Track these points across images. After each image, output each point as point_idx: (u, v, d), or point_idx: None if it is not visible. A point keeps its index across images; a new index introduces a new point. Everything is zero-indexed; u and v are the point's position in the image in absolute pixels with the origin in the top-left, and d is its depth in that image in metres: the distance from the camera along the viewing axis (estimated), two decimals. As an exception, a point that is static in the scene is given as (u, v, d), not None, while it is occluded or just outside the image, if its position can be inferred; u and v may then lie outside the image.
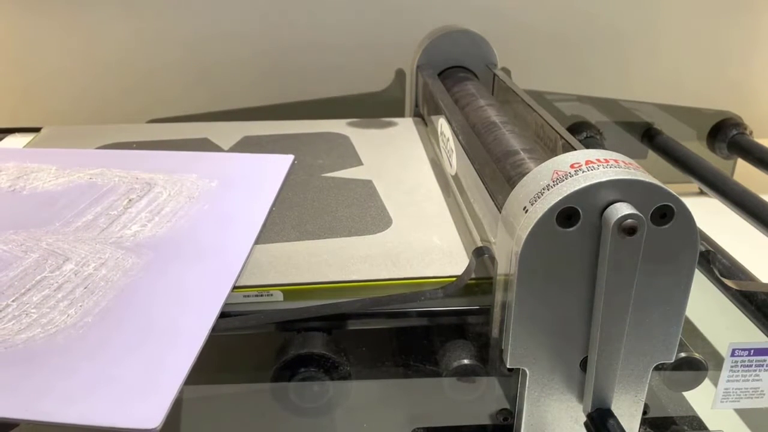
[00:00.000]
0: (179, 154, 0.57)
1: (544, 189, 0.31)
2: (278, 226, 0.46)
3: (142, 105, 0.82)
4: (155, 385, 0.31)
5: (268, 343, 0.39)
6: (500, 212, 0.34)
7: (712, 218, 0.48)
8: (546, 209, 0.30)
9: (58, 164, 0.54)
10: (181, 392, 0.38)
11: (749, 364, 0.36)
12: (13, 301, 0.37)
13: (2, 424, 0.31)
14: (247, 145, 0.62)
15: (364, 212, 0.48)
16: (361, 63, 0.82)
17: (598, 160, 0.31)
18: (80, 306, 0.37)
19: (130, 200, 0.48)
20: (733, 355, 0.36)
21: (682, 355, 0.37)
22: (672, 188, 0.30)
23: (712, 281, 0.46)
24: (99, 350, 0.34)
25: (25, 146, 0.62)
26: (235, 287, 0.39)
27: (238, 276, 0.39)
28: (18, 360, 0.33)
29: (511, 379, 0.35)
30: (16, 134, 0.67)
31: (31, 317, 0.36)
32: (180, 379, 0.32)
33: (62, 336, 0.34)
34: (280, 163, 0.55)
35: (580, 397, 0.34)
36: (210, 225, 0.45)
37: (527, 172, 0.33)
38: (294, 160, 0.57)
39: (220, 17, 0.80)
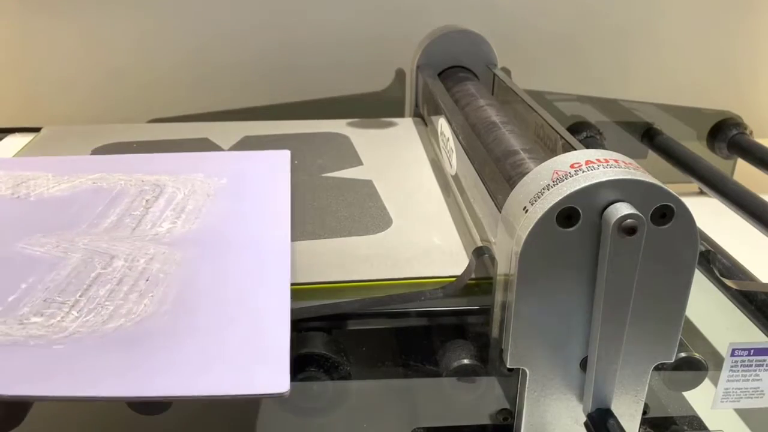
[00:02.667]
0: (178, 156, 0.57)
1: (544, 189, 0.31)
2: (278, 226, 0.46)
3: (143, 105, 0.82)
4: (266, 353, 0.31)
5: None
6: (500, 212, 0.34)
7: (712, 218, 0.48)
8: (546, 209, 0.30)
9: (52, 171, 0.53)
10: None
11: (749, 364, 0.36)
12: (80, 296, 0.36)
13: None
14: (247, 145, 0.62)
15: (364, 212, 0.48)
16: (361, 63, 0.82)
17: (598, 160, 0.31)
18: (151, 296, 0.36)
19: (146, 201, 0.47)
20: (733, 355, 0.36)
21: (682, 355, 0.37)
22: (672, 188, 0.30)
23: (712, 281, 0.46)
24: (195, 330, 0.33)
25: (24, 146, 0.62)
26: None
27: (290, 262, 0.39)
28: (121, 344, 0.32)
29: (511, 379, 0.35)
30: (16, 134, 0.67)
31: (107, 309, 0.35)
32: (287, 345, 0.32)
33: (150, 323, 0.34)
34: (281, 158, 0.55)
35: (580, 397, 0.34)
36: (240, 219, 0.45)
37: (527, 172, 0.33)
38: (291, 155, 0.57)
39: (221, 18, 0.80)
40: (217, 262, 0.39)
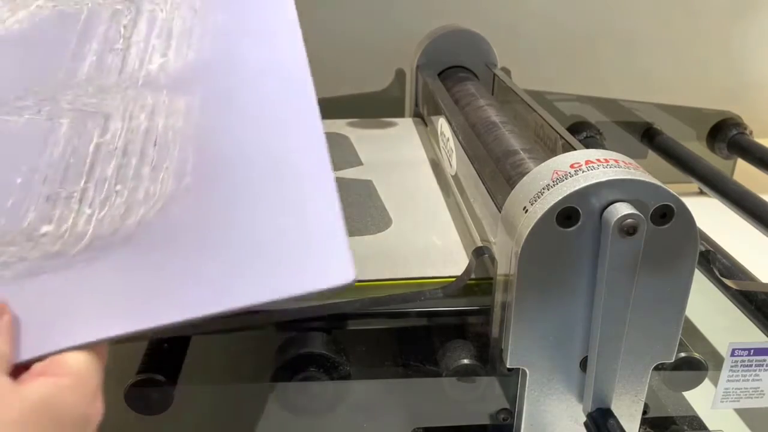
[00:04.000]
0: None
1: (544, 189, 0.31)
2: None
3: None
4: (321, 239, 0.28)
5: (268, 343, 0.39)
6: (500, 212, 0.34)
7: (712, 218, 0.48)
8: (546, 209, 0.30)
9: None
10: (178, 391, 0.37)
11: (749, 363, 0.36)
12: (86, 182, 0.31)
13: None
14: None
15: (364, 212, 0.48)
16: (361, 63, 0.82)
17: (598, 160, 0.31)
18: (166, 168, 0.31)
19: (124, 27, 0.39)
20: (733, 354, 0.36)
21: (682, 355, 0.37)
22: (672, 188, 0.30)
23: (712, 281, 0.46)
24: (232, 215, 0.29)
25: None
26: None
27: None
28: (152, 247, 0.28)
29: (511, 379, 0.35)
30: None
31: (122, 196, 0.30)
32: (341, 223, 0.28)
33: (176, 207, 0.29)
34: None
35: (580, 396, 0.34)
36: (240, 40, 0.37)
37: (527, 172, 0.33)
38: None
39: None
40: (229, 107, 0.34)
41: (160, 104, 0.34)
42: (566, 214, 0.30)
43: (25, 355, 0.25)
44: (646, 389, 0.35)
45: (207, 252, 0.27)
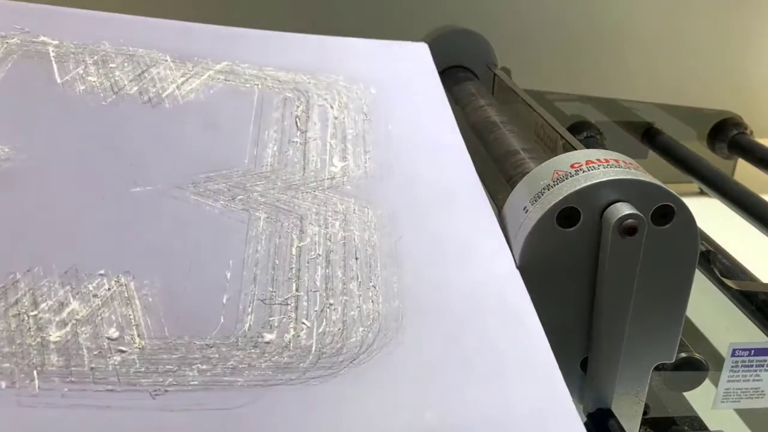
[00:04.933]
0: (296, 38, 0.46)
1: (544, 189, 0.31)
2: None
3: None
4: (552, 394, 0.27)
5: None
6: (500, 212, 0.34)
7: (713, 218, 0.48)
8: (546, 209, 0.30)
9: (157, 46, 0.40)
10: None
11: (750, 364, 0.36)
12: (296, 289, 0.30)
13: None
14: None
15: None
16: (361, 63, 0.82)
17: (599, 160, 0.31)
18: (372, 285, 0.30)
19: (298, 119, 0.38)
20: (733, 355, 0.36)
21: (683, 355, 0.37)
22: (672, 188, 0.30)
23: (712, 281, 0.46)
24: (461, 352, 0.28)
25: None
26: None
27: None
28: (380, 380, 0.27)
29: (512, 379, 0.35)
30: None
31: (336, 311, 0.29)
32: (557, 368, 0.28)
33: (389, 333, 0.28)
34: (421, 53, 0.46)
35: (580, 397, 0.34)
36: (414, 153, 0.37)
37: (527, 172, 0.33)
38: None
39: (222, 17, 0.80)
40: (422, 227, 0.33)
41: (351, 213, 0.34)
42: (566, 214, 0.30)
43: None
44: (647, 389, 0.35)
45: (426, 398, 0.26)
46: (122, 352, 0.27)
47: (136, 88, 0.37)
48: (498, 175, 0.43)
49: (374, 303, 0.30)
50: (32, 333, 0.27)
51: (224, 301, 0.29)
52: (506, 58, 0.72)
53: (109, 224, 0.30)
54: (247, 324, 0.28)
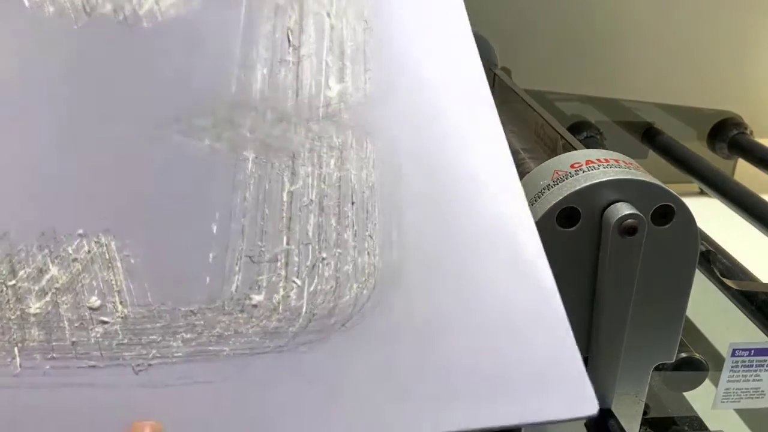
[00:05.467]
0: None
1: (544, 189, 0.31)
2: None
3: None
4: (562, 359, 0.26)
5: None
6: (500, 212, 0.34)
7: (713, 218, 0.48)
8: (546, 209, 0.30)
9: None
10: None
11: (750, 364, 0.36)
12: (287, 243, 0.28)
13: None
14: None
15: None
16: (361, 63, 0.82)
17: (599, 160, 0.31)
18: (369, 235, 0.28)
19: (290, 32, 0.34)
20: (733, 355, 0.36)
21: (683, 355, 0.37)
22: (672, 188, 0.30)
23: (712, 281, 0.46)
24: (456, 315, 0.26)
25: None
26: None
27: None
28: (374, 344, 0.26)
29: (512, 379, 0.35)
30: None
31: (329, 266, 0.28)
32: (576, 349, 0.26)
33: (385, 290, 0.27)
34: None
35: (581, 397, 0.34)
36: (421, 67, 0.33)
37: (527, 172, 0.33)
38: None
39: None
40: (419, 158, 0.30)
41: (348, 148, 0.31)
42: (566, 214, 0.30)
43: None
44: (647, 389, 0.35)
45: (427, 361, 0.26)
46: (104, 323, 0.26)
47: (110, 6, 0.32)
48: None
49: (370, 255, 0.28)
50: (11, 305, 0.26)
51: (210, 259, 0.27)
52: (506, 58, 0.72)
53: (84, 173, 0.28)
54: (234, 285, 0.27)
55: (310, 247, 0.28)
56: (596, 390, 0.33)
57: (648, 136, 0.74)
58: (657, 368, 0.34)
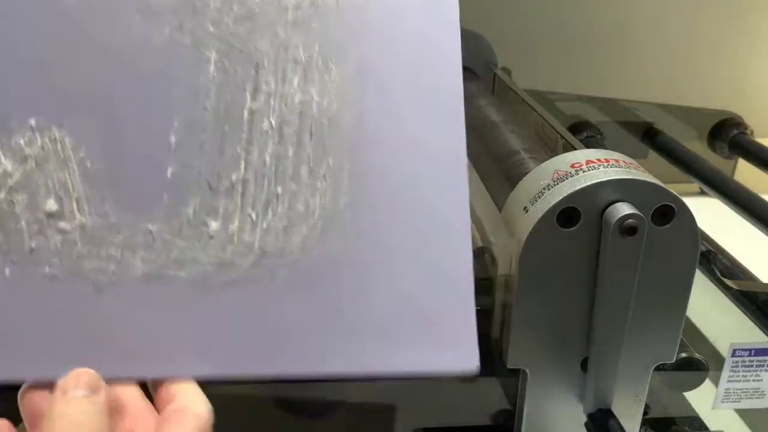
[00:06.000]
0: None
1: (544, 189, 0.31)
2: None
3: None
4: (454, 318, 0.27)
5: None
6: (500, 212, 0.34)
7: (713, 218, 0.48)
8: (546, 209, 0.30)
9: None
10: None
11: (750, 364, 0.36)
12: (245, 170, 0.28)
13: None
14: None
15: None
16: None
17: (599, 160, 0.31)
18: (323, 176, 0.29)
19: None
20: (733, 355, 0.36)
21: (683, 355, 0.37)
22: (672, 188, 0.30)
23: (712, 281, 0.46)
24: (377, 265, 0.28)
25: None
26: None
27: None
28: (315, 284, 0.27)
29: (511, 379, 0.35)
30: None
31: (283, 203, 0.28)
32: (473, 306, 0.28)
33: (329, 234, 0.28)
34: None
35: (581, 397, 0.34)
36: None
37: (527, 172, 0.33)
38: None
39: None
40: (382, 94, 0.30)
41: (313, 68, 0.30)
42: (567, 214, 0.30)
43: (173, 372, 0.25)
44: (647, 389, 0.35)
45: (351, 304, 0.27)
46: (63, 231, 0.26)
47: None
48: (498, 175, 0.43)
49: (322, 198, 0.28)
50: None
51: (168, 175, 0.27)
52: (506, 58, 0.72)
53: (36, 54, 0.27)
54: (192, 208, 0.27)
55: (266, 179, 0.28)
56: (596, 390, 0.33)
57: (648, 136, 0.74)
58: (657, 368, 0.34)
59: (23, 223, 0.26)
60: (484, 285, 0.37)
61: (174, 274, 0.26)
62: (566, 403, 0.34)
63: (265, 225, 0.28)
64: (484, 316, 0.37)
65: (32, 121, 0.26)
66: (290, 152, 0.29)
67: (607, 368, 0.33)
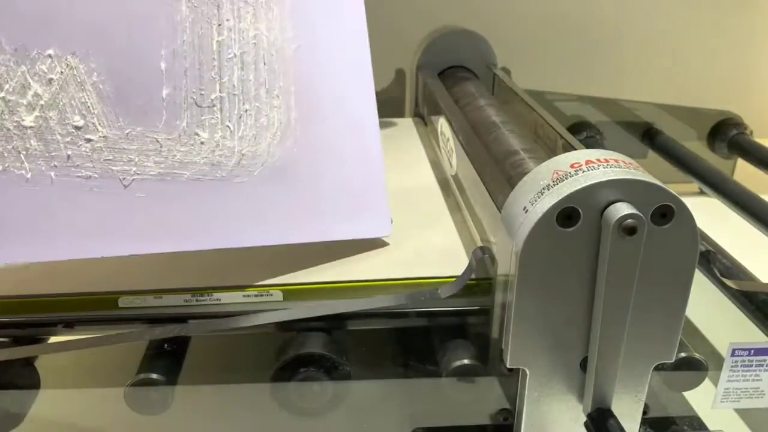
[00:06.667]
0: None
1: (544, 189, 0.31)
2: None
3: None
4: (374, 194, 0.38)
5: (268, 343, 0.39)
6: (500, 212, 0.34)
7: (712, 218, 0.48)
8: (546, 209, 0.30)
9: None
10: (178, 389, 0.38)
11: (749, 364, 0.36)
12: (220, 90, 0.35)
13: None
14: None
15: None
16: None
17: (599, 160, 0.31)
18: (276, 95, 0.37)
19: None
20: (733, 355, 0.36)
21: (683, 355, 0.37)
22: (672, 188, 0.30)
23: (712, 281, 0.46)
24: (322, 159, 0.37)
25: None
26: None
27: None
28: (281, 180, 0.36)
29: (511, 379, 0.35)
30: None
31: (250, 116, 0.36)
32: (384, 185, 0.38)
33: (285, 140, 0.37)
34: None
35: (580, 397, 0.34)
36: None
37: (527, 172, 0.33)
38: None
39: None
40: (312, 31, 0.38)
41: (260, 7, 0.36)
42: (566, 214, 0.30)
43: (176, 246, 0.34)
44: (647, 389, 0.35)
45: (304, 191, 0.36)
46: (91, 141, 0.32)
47: None
48: (498, 175, 0.43)
49: (278, 112, 0.36)
50: (6, 116, 0.30)
51: (164, 95, 0.33)
52: (506, 58, 0.72)
53: None
54: (185, 121, 0.34)
55: (237, 97, 0.35)
56: (596, 390, 0.33)
57: (648, 136, 0.74)
58: (657, 368, 0.34)
59: (58, 135, 0.31)
60: (484, 285, 0.37)
61: (179, 173, 0.34)
62: (566, 402, 0.34)
63: (239, 134, 0.35)
64: (484, 316, 0.37)
65: (50, 51, 0.31)
66: (251, 77, 0.36)
67: (607, 368, 0.33)
